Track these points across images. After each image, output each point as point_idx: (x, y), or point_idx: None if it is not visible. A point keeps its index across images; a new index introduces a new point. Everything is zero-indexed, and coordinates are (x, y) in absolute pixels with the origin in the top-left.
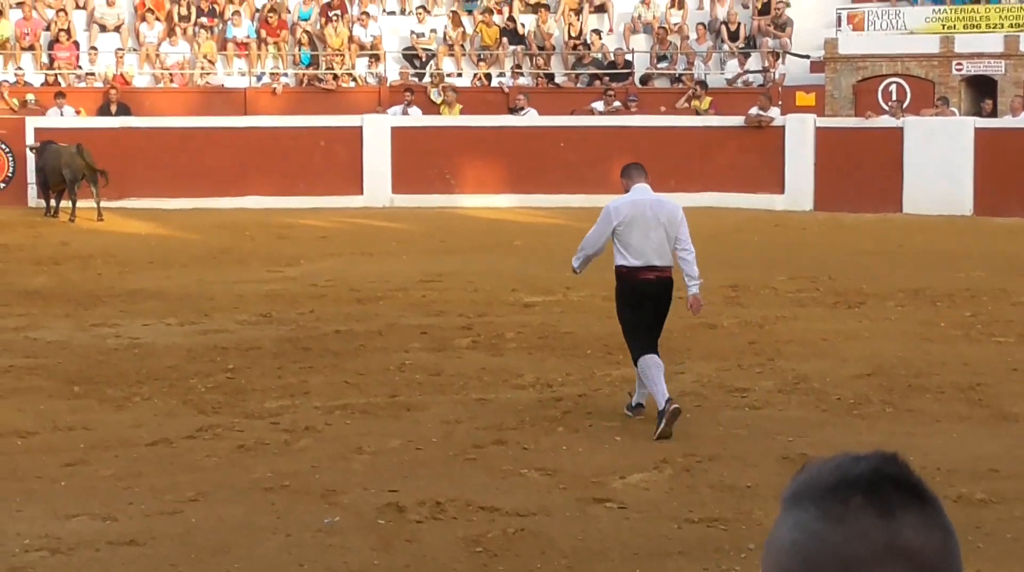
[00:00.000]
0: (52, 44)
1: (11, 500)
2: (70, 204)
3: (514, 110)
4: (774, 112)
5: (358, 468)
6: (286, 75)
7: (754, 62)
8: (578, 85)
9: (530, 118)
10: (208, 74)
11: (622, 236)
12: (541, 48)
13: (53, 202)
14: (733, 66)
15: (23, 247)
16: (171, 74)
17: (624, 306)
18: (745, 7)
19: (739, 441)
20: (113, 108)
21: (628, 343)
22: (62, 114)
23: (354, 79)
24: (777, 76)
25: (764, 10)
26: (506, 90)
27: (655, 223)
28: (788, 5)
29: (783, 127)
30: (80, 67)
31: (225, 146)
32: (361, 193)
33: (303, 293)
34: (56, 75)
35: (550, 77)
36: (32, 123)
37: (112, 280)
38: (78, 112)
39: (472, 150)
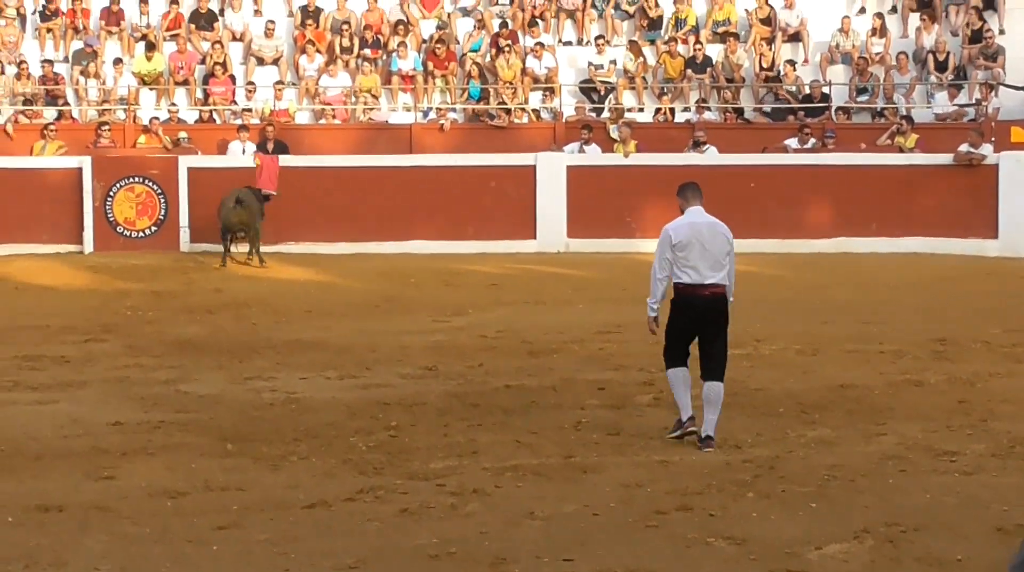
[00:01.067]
0: (207, 79)
1: (161, 564)
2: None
3: (694, 146)
4: (987, 149)
5: (530, 535)
6: (454, 110)
7: (964, 95)
8: (770, 120)
9: (711, 156)
10: (371, 109)
11: (681, 257)
12: (730, 80)
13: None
14: (942, 99)
15: (175, 294)
16: (332, 109)
17: (674, 318)
18: (954, 35)
19: (948, 510)
20: (270, 146)
21: (664, 353)
22: (244, 151)
23: (527, 114)
24: (990, 110)
25: (975, 38)
26: (693, 125)
27: (711, 244)
28: (1002, 32)
29: (996, 165)
30: (236, 103)
31: (389, 186)
32: (534, 237)
33: (471, 345)
34: (211, 111)
35: (739, 112)
36: (185, 162)
37: (268, 330)
38: (259, 149)
39: (653, 191)
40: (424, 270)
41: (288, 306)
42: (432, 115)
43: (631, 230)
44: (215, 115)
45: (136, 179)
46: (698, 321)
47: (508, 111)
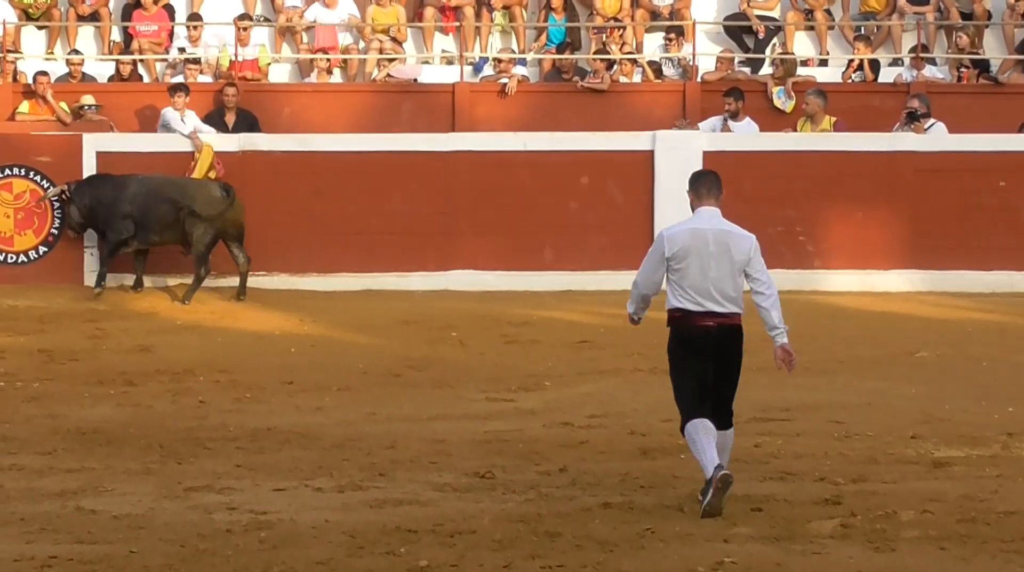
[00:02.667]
0: (129, 11)
1: None
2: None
3: (909, 121)
4: None
5: None
6: (523, 62)
7: None
8: None
9: (936, 137)
10: (391, 60)
11: (676, 272)
12: (967, 17)
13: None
14: None
15: (77, 354)
16: (327, 60)
17: (676, 361)
18: None
19: None
20: (229, 119)
21: (677, 403)
22: (184, 121)
23: (641, 70)
24: None
25: None
26: (908, 88)
27: (718, 258)
28: None
29: None
30: (174, 49)
31: (418, 183)
32: None
33: (549, 438)
34: (135, 62)
35: (982, 67)
36: (92, 143)
37: (224, 413)
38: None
39: (841, 194)
40: (472, 317)
41: (256, 375)
42: (488, 70)
43: (806, 255)
44: (141, 69)
45: (15, 171)
46: (703, 358)
47: (610, 64)
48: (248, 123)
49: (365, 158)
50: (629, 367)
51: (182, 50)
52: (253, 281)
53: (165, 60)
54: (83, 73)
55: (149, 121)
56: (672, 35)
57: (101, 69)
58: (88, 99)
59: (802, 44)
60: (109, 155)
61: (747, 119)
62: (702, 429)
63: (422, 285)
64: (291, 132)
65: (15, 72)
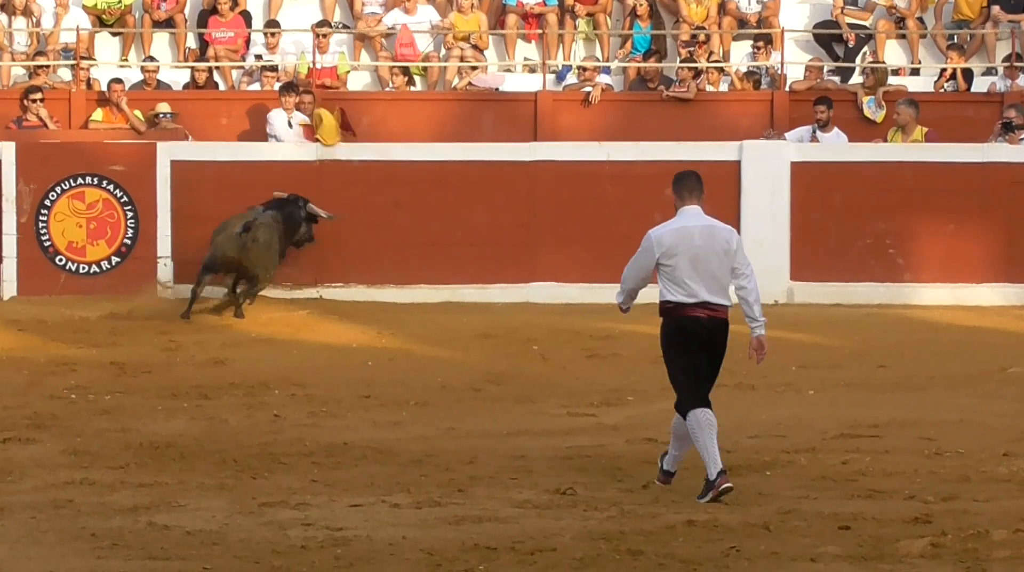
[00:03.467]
0: (205, 17)
1: None
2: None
3: (1003, 132)
4: None
5: None
6: (607, 70)
7: None
8: None
9: None
10: (473, 68)
11: (667, 269)
12: None
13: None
14: None
15: (150, 367)
16: (407, 68)
17: (670, 348)
18: None
19: None
20: (289, 104)
21: (676, 391)
22: (291, 123)
23: (728, 78)
24: None
25: None
26: (1002, 98)
27: (705, 253)
28: None
29: None
30: (251, 56)
31: (499, 194)
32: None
33: (632, 454)
34: (210, 70)
35: None
36: (167, 151)
37: (299, 427)
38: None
39: (933, 206)
40: (554, 331)
41: (332, 388)
42: (572, 78)
43: (897, 269)
44: (217, 76)
45: (88, 180)
46: (697, 348)
47: (697, 73)
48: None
49: (445, 168)
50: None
51: (259, 57)
52: (330, 292)
53: (242, 67)
54: (158, 80)
55: (225, 130)
56: (760, 43)
57: (176, 76)
58: (163, 107)
59: (893, 53)
60: (184, 164)
61: (836, 129)
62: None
63: (503, 297)
64: (370, 141)
65: (89, 79)
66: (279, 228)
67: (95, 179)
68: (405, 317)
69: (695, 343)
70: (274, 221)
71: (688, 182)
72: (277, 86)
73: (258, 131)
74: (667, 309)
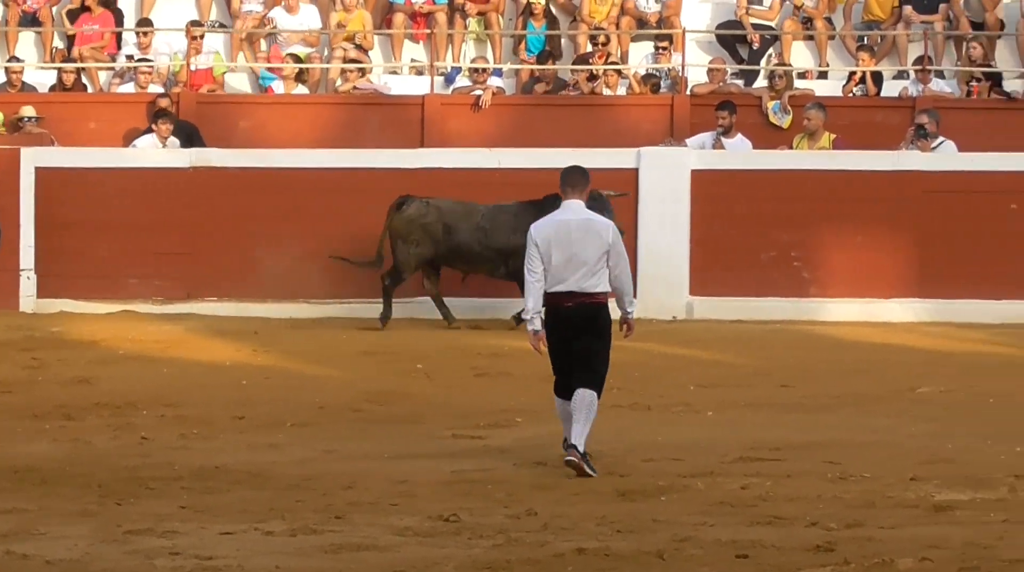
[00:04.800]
0: (74, 15)
1: None
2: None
3: (916, 138)
4: None
5: None
6: (499, 73)
7: None
8: None
9: (945, 156)
10: (357, 70)
11: (546, 258)
12: (977, 27)
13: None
14: None
15: (11, 386)
16: (289, 70)
17: (548, 335)
18: None
19: None
20: (163, 131)
21: (554, 371)
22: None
23: (626, 81)
24: None
25: None
26: (914, 103)
27: (581, 246)
28: None
29: None
30: (121, 57)
31: (385, 203)
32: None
33: (520, 479)
34: (78, 71)
35: (993, 80)
36: (31, 158)
37: (168, 450)
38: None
39: (841, 216)
40: (441, 348)
41: (204, 409)
42: (462, 81)
43: (803, 283)
44: (85, 78)
45: None
46: (567, 334)
47: (593, 76)
48: (186, 135)
49: (328, 175)
50: (607, 402)
51: (130, 57)
52: (204, 307)
53: (112, 68)
54: (22, 82)
55: (94, 135)
56: (662, 46)
57: (42, 78)
58: (28, 110)
59: (800, 55)
60: (49, 171)
61: (740, 135)
62: (562, 413)
63: (398, 313)
64: (247, 147)
65: None
66: None
67: None
68: (283, 333)
69: (567, 331)
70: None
71: (571, 177)
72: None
73: (130, 136)
74: (545, 299)
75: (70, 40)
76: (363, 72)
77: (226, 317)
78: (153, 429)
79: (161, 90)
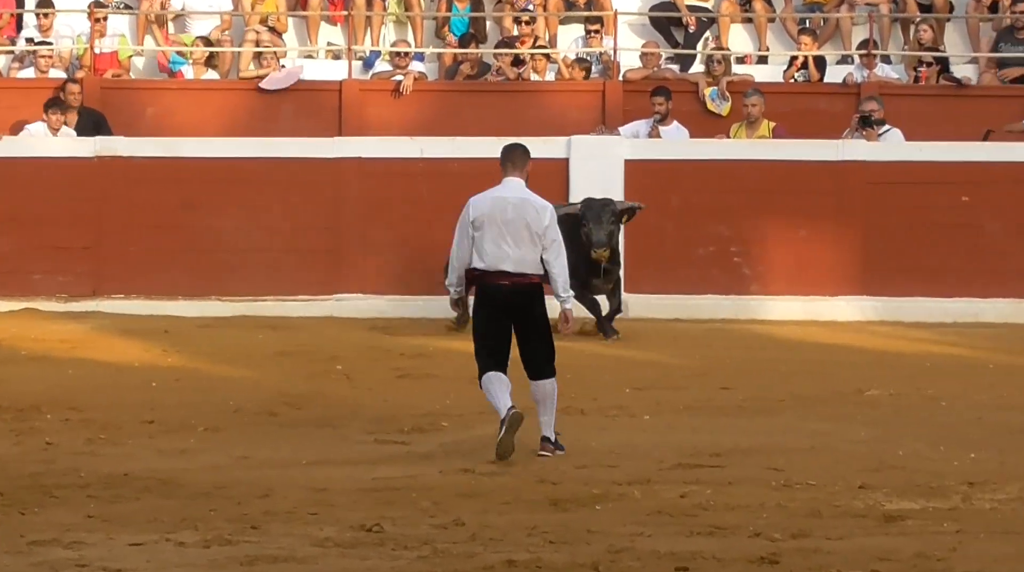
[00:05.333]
0: None
1: None
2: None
3: (861, 126)
4: None
5: None
6: (420, 57)
7: None
8: (1003, 84)
9: (891, 145)
10: (269, 53)
11: (476, 237)
12: (926, 9)
13: None
14: None
15: None
16: (196, 54)
17: (476, 315)
18: None
19: None
20: (71, 119)
21: (476, 359)
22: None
23: (555, 66)
24: None
25: None
26: (859, 89)
27: (515, 224)
28: None
29: None
30: (21, 40)
31: (300, 195)
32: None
33: (446, 486)
34: None
35: (942, 66)
36: None
37: (74, 456)
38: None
39: (782, 209)
40: (361, 348)
41: (111, 412)
42: (382, 65)
43: (742, 279)
44: None
45: None
46: (501, 316)
47: (519, 61)
48: (94, 123)
49: (239, 165)
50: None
51: (30, 40)
52: (110, 304)
53: (11, 52)
54: None
55: None
56: (593, 28)
57: None
58: None
59: (739, 38)
60: None
61: (676, 123)
62: (495, 381)
63: (303, 311)
64: (155, 135)
65: None
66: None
67: None
68: (194, 333)
69: (498, 311)
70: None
71: (511, 154)
72: (53, 74)
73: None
74: (474, 276)
75: None
76: (276, 56)
77: (134, 316)
78: (57, 434)
79: (63, 75)
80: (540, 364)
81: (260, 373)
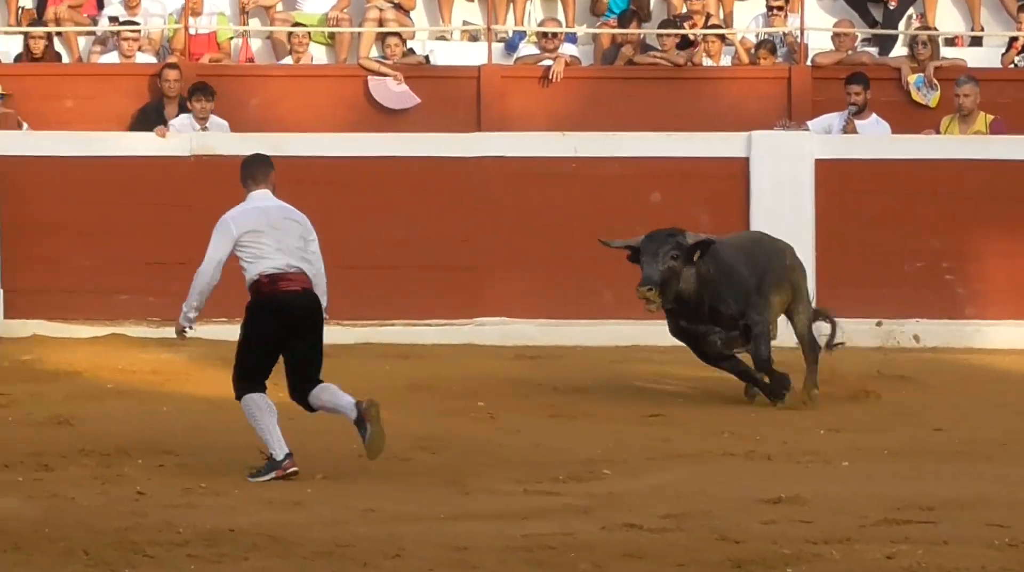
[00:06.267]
0: None
1: None
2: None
3: None
4: None
5: None
6: (572, 38)
7: None
8: None
9: None
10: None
11: (253, 247)
12: None
13: None
14: None
15: None
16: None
17: (257, 324)
18: None
19: None
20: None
21: (238, 373)
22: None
23: (732, 49)
24: None
25: None
26: None
27: (286, 231)
28: None
29: None
30: (104, 19)
31: (432, 201)
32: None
33: (608, 544)
34: (50, 36)
35: None
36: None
37: (169, 508)
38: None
39: (1002, 217)
40: (505, 382)
41: (212, 457)
42: (527, 48)
43: (956, 301)
44: (59, 45)
45: None
46: (291, 328)
47: (689, 42)
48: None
49: (358, 166)
50: (716, 450)
51: (115, 19)
52: (204, 330)
53: (92, 33)
54: None
55: (69, 115)
56: (775, 4)
57: (6, 45)
58: None
59: (948, 16)
60: (15, 161)
61: (874, 116)
62: (266, 408)
63: (438, 338)
64: (261, 130)
65: None
66: None
67: None
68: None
69: (287, 320)
70: None
71: (255, 167)
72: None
73: (114, 116)
74: (260, 285)
75: (40, 0)
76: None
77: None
78: (149, 482)
79: (152, 60)
80: (318, 379)
81: (387, 411)
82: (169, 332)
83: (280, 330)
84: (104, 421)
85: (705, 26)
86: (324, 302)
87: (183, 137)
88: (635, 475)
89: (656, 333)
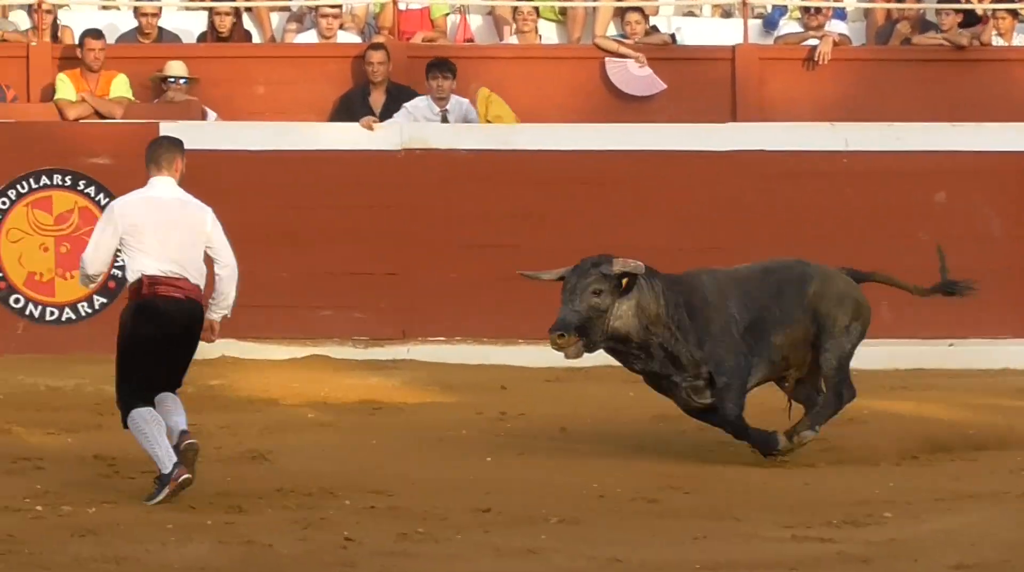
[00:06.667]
0: None
1: None
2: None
3: None
4: None
5: None
6: (841, 14)
7: None
8: None
9: None
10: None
11: (134, 244)
12: None
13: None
14: None
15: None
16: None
17: (137, 330)
18: None
19: None
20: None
21: (123, 385)
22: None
23: None
24: None
25: None
26: None
27: (179, 227)
28: None
29: None
30: None
31: (680, 199)
32: None
33: None
34: (238, 12)
35: None
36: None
37: (381, 556)
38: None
39: None
40: (764, 410)
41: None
42: (789, 25)
43: None
44: (250, 23)
45: (56, 180)
46: (171, 336)
47: (976, 18)
48: (403, 94)
49: (596, 161)
50: (1016, 489)
51: None
52: (419, 351)
53: (287, 9)
54: (160, 29)
55: (260, 103)
56: None
57: (187, 23)
58: (176, 68)
59: None
60: (200, 154)
61: None
62: (153, 421)
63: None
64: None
65: (56, 28)
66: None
67: (67, 178)
68: (540, 389)
69: (172, 327)
70: None
71: (159, 150)
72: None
73: (312, 104)
74: (138, 288)
75: None
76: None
77: (458, 365)
78: (359, 527)
79: (356, 39)
80: (180, 382)
81: (632, 443)
82: (378, 353)
83: (161, 335)
84: (304, 456)
85: (994, 0)
86: (229, 302)
87: (392, 128)
88: (920, 519)
89: (911, 354)
